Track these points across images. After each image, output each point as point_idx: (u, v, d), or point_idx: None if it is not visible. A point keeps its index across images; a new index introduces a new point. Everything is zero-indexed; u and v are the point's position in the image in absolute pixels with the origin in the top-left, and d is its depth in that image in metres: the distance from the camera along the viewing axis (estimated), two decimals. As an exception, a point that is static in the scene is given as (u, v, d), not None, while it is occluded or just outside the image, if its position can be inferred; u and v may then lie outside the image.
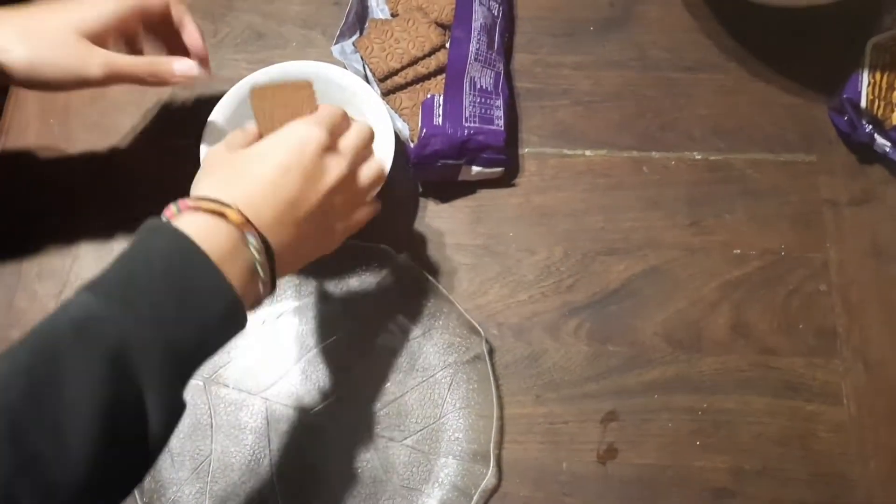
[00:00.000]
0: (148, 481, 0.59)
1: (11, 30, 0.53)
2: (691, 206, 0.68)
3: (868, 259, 0.66)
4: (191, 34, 0.60)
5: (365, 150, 0.53)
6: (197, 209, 0.43)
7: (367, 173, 0.52)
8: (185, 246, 0.41)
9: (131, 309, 0.39)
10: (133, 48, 0.59)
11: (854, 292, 0.65)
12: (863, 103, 0.66)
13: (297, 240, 0.47)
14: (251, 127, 0.51)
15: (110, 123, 0.71)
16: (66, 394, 0.36)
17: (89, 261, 0.67)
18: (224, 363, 0.63)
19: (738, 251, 0.67)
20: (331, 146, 0.49)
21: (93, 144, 0.71)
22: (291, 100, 0.52)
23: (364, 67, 0.69)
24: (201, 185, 0.47)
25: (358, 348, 0.64)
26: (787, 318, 0.65)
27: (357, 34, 0.71)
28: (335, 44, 0.69)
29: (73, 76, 0.53)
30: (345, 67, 0.67)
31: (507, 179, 0.69)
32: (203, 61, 0.60)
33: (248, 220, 0.43)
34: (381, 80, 0.69)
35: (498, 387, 0.62)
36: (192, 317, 0.41)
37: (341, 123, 0.51)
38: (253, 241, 0.43)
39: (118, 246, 0.67)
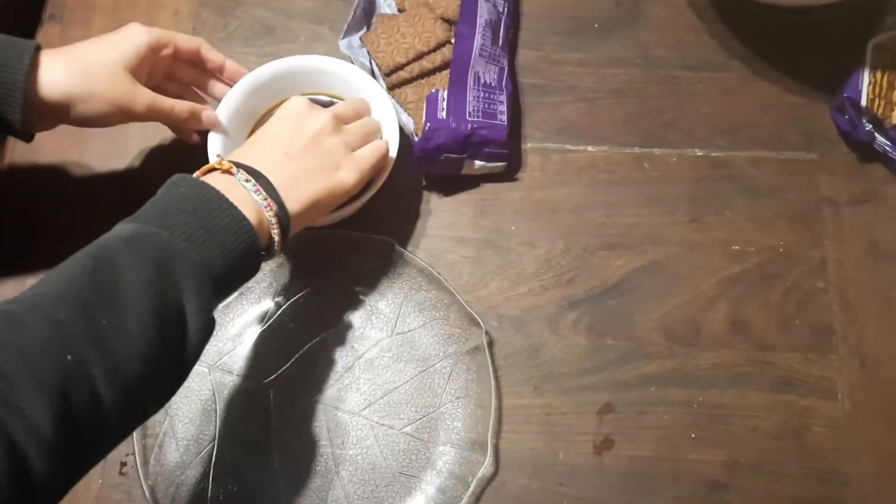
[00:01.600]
0: (152, 464, 0.60)
1: (66, 67, 0.57)
2: (692, 203, 0.69)
3: (866, 258, 0.67)
4: (234, 70, 0.66)
5: (355, 113, 0.62)
6: (201, 174, 0.52)
7: (359, 123, 0.61)
8: (207, 189, 0.49)
9: (168, 230, 0.46)
10: (161, 88, 0.63)
11: (852, 291, 0.66)
12: (863, 102, 0.67)
13: (297, 173, 0.54)
14: None
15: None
16: (122, 287, 0.43)
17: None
18: (228, 351, 0.64)
19: (738, 248, 0.67)
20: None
21: (104, 134, 0.71)
22: None
23: (370, 62, 0.70)
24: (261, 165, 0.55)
25: (359, 338, 0.65)
26: (785, 314, 0.65)
27: (364, 29, 0.72)
28: (342, 38, 0.70)
29: (119, 110, 0.58)
30: (351, 62, 0.68)
31: (509, 174, 0.70)
32: None
33: (235, 164, 0.51)
34: (387, 75, 0.70)
35: (497, 377, 0.63)
36: (218, 242, 0.47)
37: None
38: (240, 175, 0.51)
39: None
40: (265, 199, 0.51)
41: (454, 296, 0.63)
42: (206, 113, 0.63)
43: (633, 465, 0.61)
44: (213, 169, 0.52)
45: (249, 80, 0.66)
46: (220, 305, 0.65)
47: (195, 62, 0.65)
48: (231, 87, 0.66)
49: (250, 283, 0.65)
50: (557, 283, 0.67)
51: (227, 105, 0.65)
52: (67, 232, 0.68)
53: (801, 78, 0.73)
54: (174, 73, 0.65)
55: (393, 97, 0.68)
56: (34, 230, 0.69)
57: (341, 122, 0.59)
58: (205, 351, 0.63)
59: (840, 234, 0.68)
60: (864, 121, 0.67)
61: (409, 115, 0.68)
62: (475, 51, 0.68)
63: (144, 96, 0.59)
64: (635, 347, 0.64)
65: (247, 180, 0.51)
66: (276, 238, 0.52)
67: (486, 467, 0.59)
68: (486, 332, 0.63)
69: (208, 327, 0.47)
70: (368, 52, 0.70)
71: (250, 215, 0.49)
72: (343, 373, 0.64)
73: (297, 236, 0.67)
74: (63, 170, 0.71)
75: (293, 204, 0.53)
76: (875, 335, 0.65)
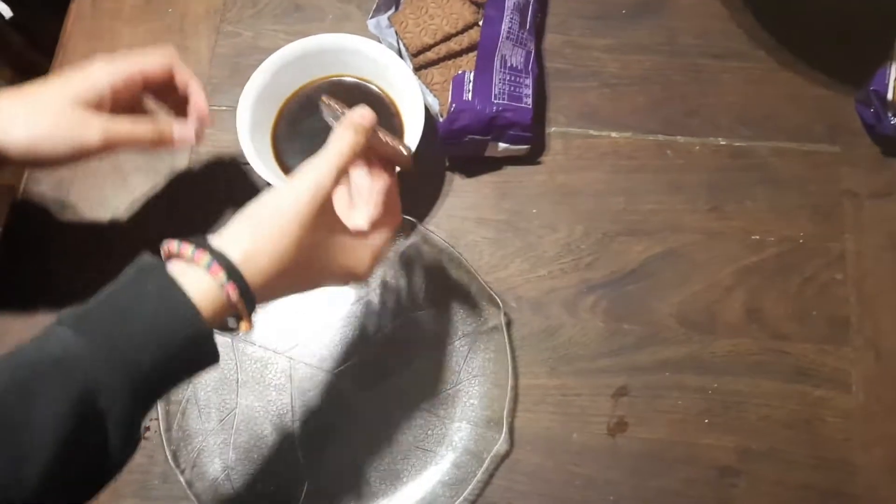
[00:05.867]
0: (175, 430, 0.62)
1: (7, 110, 0.52)
2: (712, 192, 0.69)
3: (885, 252, 0.67)
4: (196, 97, 0.59)
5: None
6: (192, 261, 0.43)
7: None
8: (175, 298, 0.41)
9: (109, 354, 0.39)
10: (135, 110, 0.58)
11: (869, 284, 0.66)
12: (889, 96, 0.67)
13: (284, 291, 0.47)
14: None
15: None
16: (32, 425, 0.37)
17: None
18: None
19: (757, 237, 0.68)
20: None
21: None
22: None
23: (398, 42, 0.71)
24: (228, 229, 0.45)
25: (379, 314, 0.66)
26: (801, 305, 0.66)
27: (392, 9, 0.73)
28: (371, 18, 0.71)
29: (71, 147, 0.52)
30: (379, 41, 0.69)
31: (532, 157, 0.71)
32: (204, 121, 0.60)
33: (237, 293, 0.42)
34: (414, 55, 0.70)
35: (514, 357, 0.64)
36: (170, 367, 0.41)
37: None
38: (231, 322, 0.44)
39: (150, 231, 0.70)
40: (240, 323, 0.44)
41: (474, 276, 0.64)
42: (178, 128, 0.57)
43: (646, 447, 0.62)
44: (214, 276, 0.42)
45: (277, 58, 0.67)
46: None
47: (168, 81, 0.58)
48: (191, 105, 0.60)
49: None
50: (577, 266, 0.67)
51: (254, 83, 0.66)
52: (93, 193, 0.70)
53: (827, 70, 0.73)
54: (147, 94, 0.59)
55: (419, 78, 0.69)
56: (61, 244, 0.69)
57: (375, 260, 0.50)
58: (228, 322, 0.65)
59: (860, 227, 0.68)
60: (890, 115, 0.67)
61: (435, 96, 0.69)
62: (503, 34, 0.68)
63: (97, 126, 0.53)
64: (652, 333, 0.65)
65: (236, 320, 0.44)
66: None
67: (500, 444, 0.60)
68: (505, 313, 0.64)
69: (131, 448, 0.42)
70: (396, 33, 0.71)
71: (214, 315, 0.42)
72: (362, 347, 0.65)
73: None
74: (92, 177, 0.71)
75: (266, 301, 0.46)
76: (891, 328, 0.65)
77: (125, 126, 0.54)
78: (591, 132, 0.72)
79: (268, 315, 0.66)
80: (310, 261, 0.46)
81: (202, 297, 0.42)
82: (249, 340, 0.65)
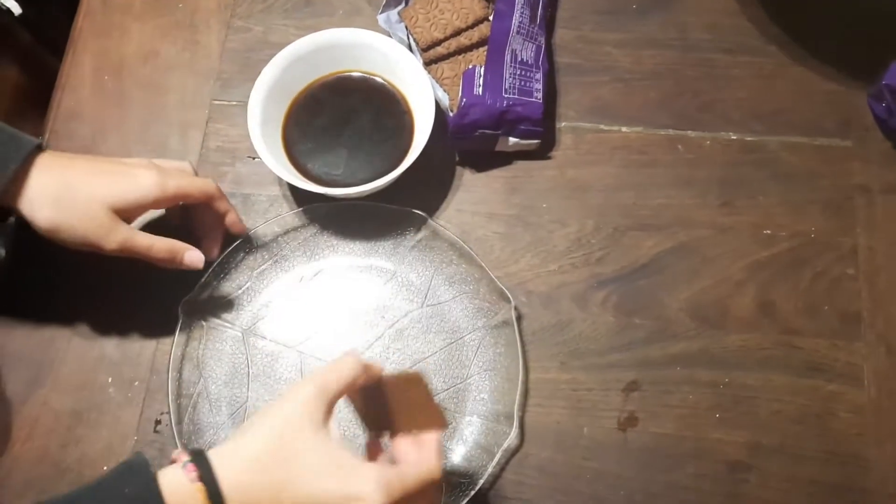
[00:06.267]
0: (186, 423, 0.62)
1: (47, 190, 0.55)
2: (724, 186, 0.69)
3: (898, 247, 0.67)
4: (232, 226, 0.64)
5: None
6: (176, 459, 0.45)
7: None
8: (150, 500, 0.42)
9: None
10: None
11: (881, 279, 0.66)
12: (902, 91, 0.66)
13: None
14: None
15: (162, 82, 0.74)
16: None
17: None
18: (262, 316, 0.66)
19: (768, 232, 0.68)
20: None
21: (144, 102, 0.73)
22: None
23: (408, 37, 0.71)
24: (233, 442, 0.46)
25: (390, 308, 0.66)
26: (813, 300, 0.66)
27: (402, 4, 0.73)
28: (381, 13, 0.71)
29: (88, 244, 0.56)
30: (389, 36, 0.69)
31: (542, 152, 0.70)
32: (239, 234, 0.66)
33: (196, 475, 0.43)
34: (424, 50, 0.70)
35: (524, 352, 0.64)
36: None
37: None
38: None
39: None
40: None
41: (484, 270, 0.64)
42: (189, 253, 0.60)
43: (657, 442, 0.62)
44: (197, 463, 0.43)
45: (287, 53, 0.67)
46: (255, 272, 0.67)
47: (206, 204, 0.63)
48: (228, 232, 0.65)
49: (284, 252, 0.67)
50: (587, 261, 0.67)
51: (265, 78, 0.66)
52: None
53: (839, 64, 0.72)
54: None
55: (429, 72, 0.69)
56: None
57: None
58: (239, 316, 0.66)
59: (872, 222, 0.68)
60: (902, 109, 0.67)
61: (445, 90, 0.69)
62: (513, 28, 0.68)
63: (117, 236, 0.56)
64: (662, 327, 0.65)
65: None
66: None
67: (511, 439, 0.60)
68: (515, 308, 0.64)
69: None
70: (406, 27, 0.71)
71: None
72: (373, 341, 0.65)
73: (333, 206, 0.68)
74: (101, 112, 0.73)
75: None
76: (903, 324, 0.65)
77: (143, 243, 0.58)
78: (602, 127, 0.72)
79: (279, 309, 0.66)
80: (296, 471, 0.44)
81: (175, 493, 0.42)
82: (260, 334, 0.65)
